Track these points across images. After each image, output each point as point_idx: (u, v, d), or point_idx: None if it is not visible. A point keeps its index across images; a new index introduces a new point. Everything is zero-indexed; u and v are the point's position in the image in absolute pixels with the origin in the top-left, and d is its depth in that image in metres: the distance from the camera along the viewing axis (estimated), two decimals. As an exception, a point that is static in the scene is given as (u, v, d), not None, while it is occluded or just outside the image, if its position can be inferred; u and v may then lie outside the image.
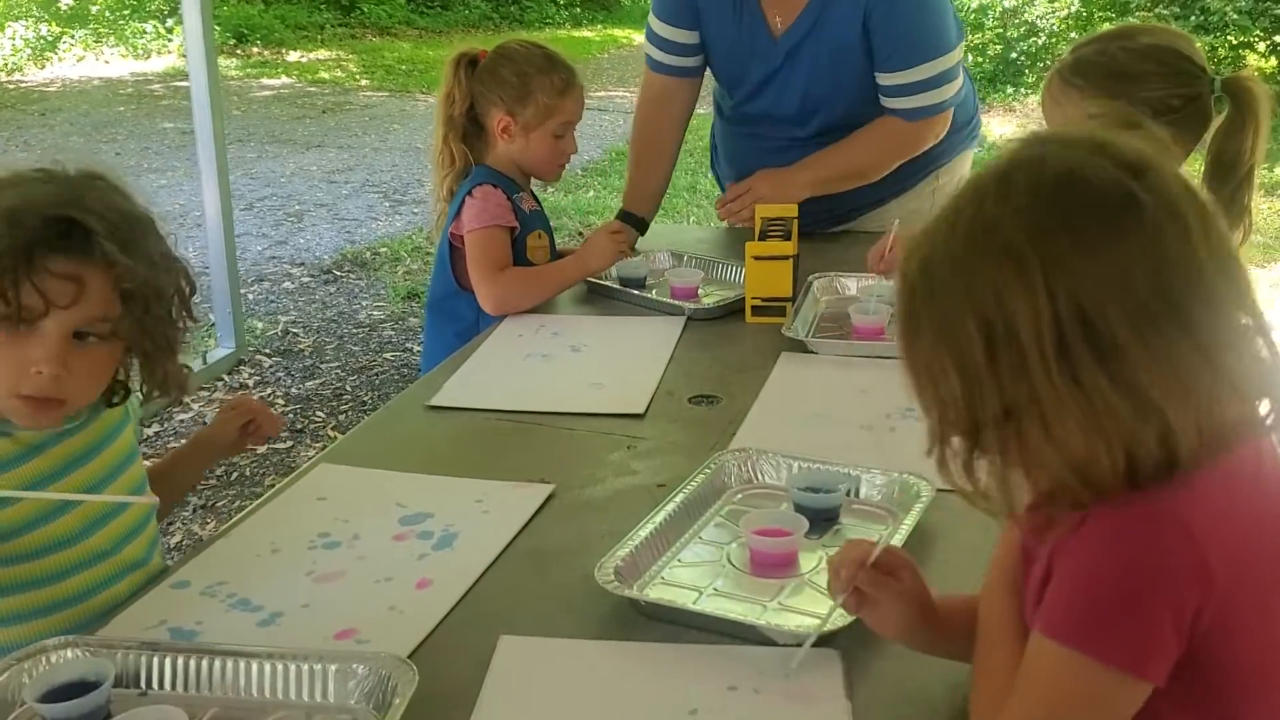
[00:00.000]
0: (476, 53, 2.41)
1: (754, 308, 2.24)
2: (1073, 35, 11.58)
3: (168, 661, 1.19)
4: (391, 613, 1.32)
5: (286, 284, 5.75)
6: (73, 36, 12.46)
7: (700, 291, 2.41)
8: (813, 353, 2.06)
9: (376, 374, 4.60)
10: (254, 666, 1.17)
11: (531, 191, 2.49)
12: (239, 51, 13.47)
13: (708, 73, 2.75)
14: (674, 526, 1.45)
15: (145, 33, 12.88)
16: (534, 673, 1.21)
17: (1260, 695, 0.91)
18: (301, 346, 4.90)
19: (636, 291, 2.40)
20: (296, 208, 7.19)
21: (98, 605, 1.35)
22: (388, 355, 4.79)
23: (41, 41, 12.12)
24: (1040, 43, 11.68)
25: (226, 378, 4.57)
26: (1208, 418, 0.85)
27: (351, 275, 5.88)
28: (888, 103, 2.55)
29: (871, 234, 2.56)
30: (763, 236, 2.33)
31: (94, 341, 1.29)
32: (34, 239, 1.23)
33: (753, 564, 1.39)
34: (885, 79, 2.53)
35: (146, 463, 1.54)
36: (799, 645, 1.18)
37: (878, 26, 2.46)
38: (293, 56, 13.62)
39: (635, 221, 2.72)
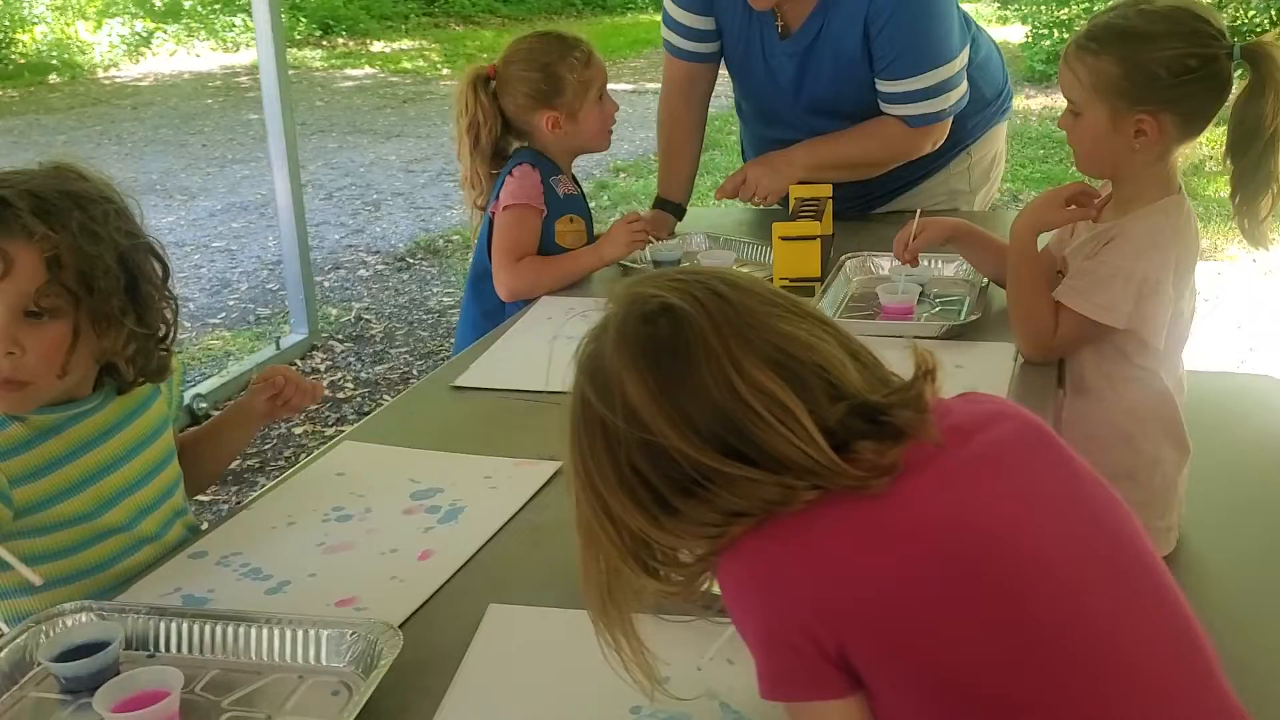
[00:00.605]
0: (485, 70, 2.42)
1: (782, 288, 2.25)
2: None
3: (174, 625, 1.26)
4: (392, 582, 1.38)
5: (361, 271, 5.88)
6: (165, 32, 12.83)
7: (734, 273, 2.43)
8: (836, 333, 2.07)
9: (443, 359, 4.68)
10: (253, 631, 1.24)
11: (572, 175, 2.53)
12: (325, 43, 13.74)
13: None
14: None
15: (235, 26, 13.21)
16: (516, 639, 1.26)
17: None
18: (372, 332, 5.02)
19: (669, 274, 2.43)
20: (374, 197, 7.33)
21: (116, 574, 1.43)
22: (454, 341, 4.88)
23: (136, 37, 12.51)
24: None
25: (300, 362, 4.70)
26: (760, 498, 0.92)
27: (424, 263, 5.99)
28: (888, 109, 2.54)
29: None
30: (795, 216, 2.35)
31: (46, 320, 1.34)
32: None
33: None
34: (885, 86, 2.51)
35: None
36: None
37: (877, 35, 2.44)
38: (377, 47, 13.84)
39: (672, 208, 2.75)
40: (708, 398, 0.92)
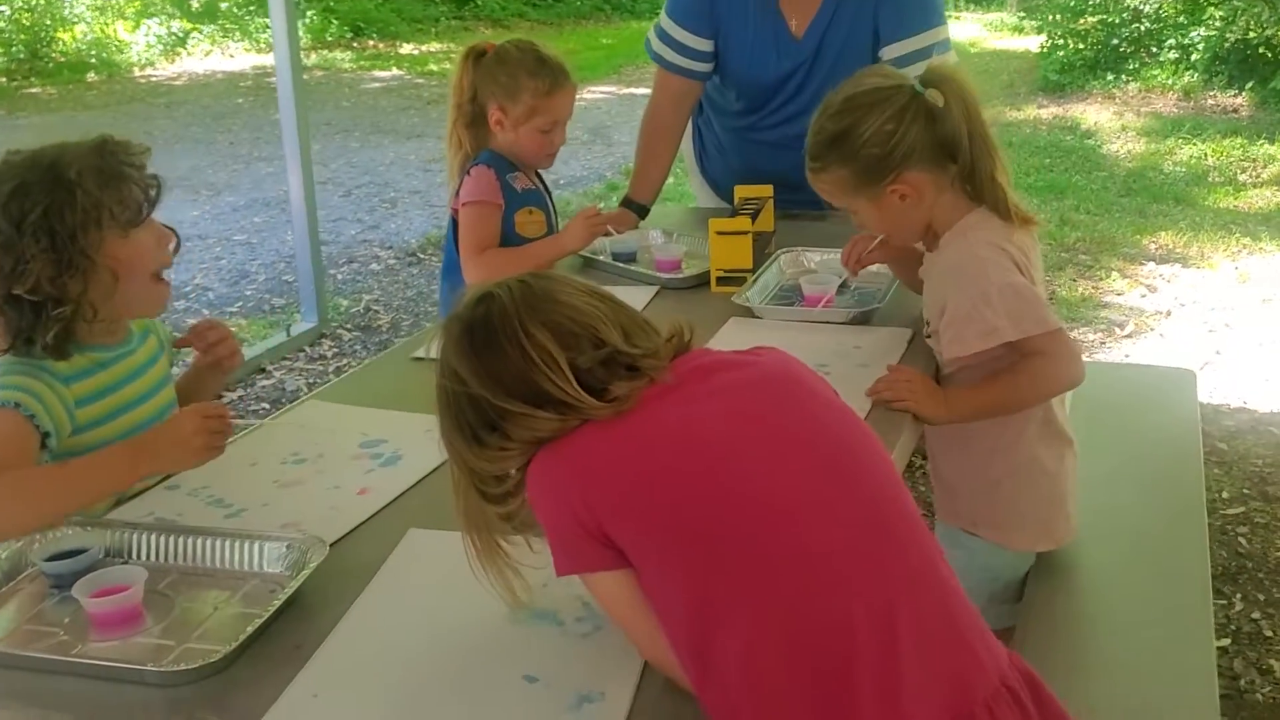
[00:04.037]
0: (485, 46, 2.66)
1: (718, 278, 2.50)
2: (1181, 19, 11.35)
3: (144, 537, 1.53)
4: (330, 511, 1.63)
5: (373, 265, 6.16)
6: (201, 32, 13.20)
7: (683, 265, 2.67)
8: (758, 318, 2.31)
9: (444, 347, 4.95)
10: (207, 542, 1.51)
11: (537, 173, 2.76)
12: (355, 45, 14.07)
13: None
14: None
15: (269, 27, 13.53)
16: (426, 555, 1.52)
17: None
18: (380, 322, 5.29)
19: (623, 264, 2.68)
20: (391, 194, 7.63)
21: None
22: (441, 326, 5.14)
23: (172, 37, 12.88)
24: (1144, 29, 11.44)
25: (308, 349, 4.98)
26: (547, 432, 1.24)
27: (434, 258, 6.26)
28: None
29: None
30: (735, 213, 2.59)
31: None
32: (108, 158, 1.63)
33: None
34: (894, 51, 2.73)
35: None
36: None
37: (883, 5, 2.71)
38: (406, 49, 14.17)
39: (637, 208, 3.00)
40: (504, 356, 1.25)
